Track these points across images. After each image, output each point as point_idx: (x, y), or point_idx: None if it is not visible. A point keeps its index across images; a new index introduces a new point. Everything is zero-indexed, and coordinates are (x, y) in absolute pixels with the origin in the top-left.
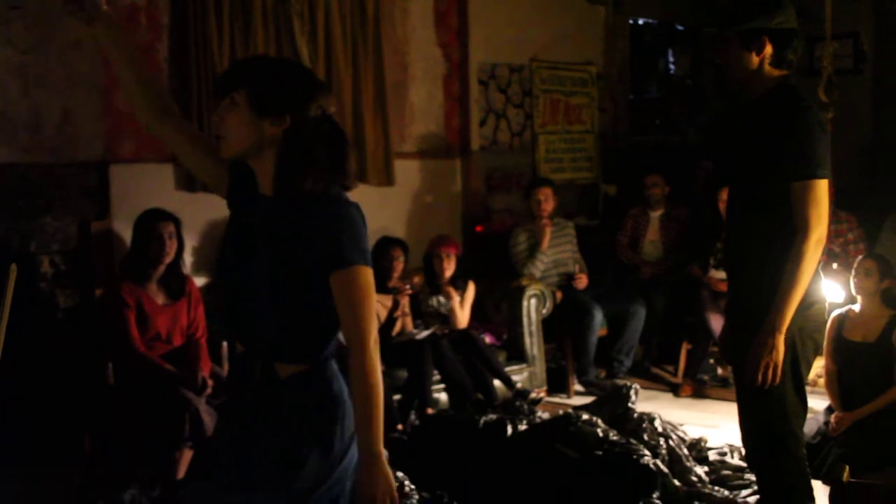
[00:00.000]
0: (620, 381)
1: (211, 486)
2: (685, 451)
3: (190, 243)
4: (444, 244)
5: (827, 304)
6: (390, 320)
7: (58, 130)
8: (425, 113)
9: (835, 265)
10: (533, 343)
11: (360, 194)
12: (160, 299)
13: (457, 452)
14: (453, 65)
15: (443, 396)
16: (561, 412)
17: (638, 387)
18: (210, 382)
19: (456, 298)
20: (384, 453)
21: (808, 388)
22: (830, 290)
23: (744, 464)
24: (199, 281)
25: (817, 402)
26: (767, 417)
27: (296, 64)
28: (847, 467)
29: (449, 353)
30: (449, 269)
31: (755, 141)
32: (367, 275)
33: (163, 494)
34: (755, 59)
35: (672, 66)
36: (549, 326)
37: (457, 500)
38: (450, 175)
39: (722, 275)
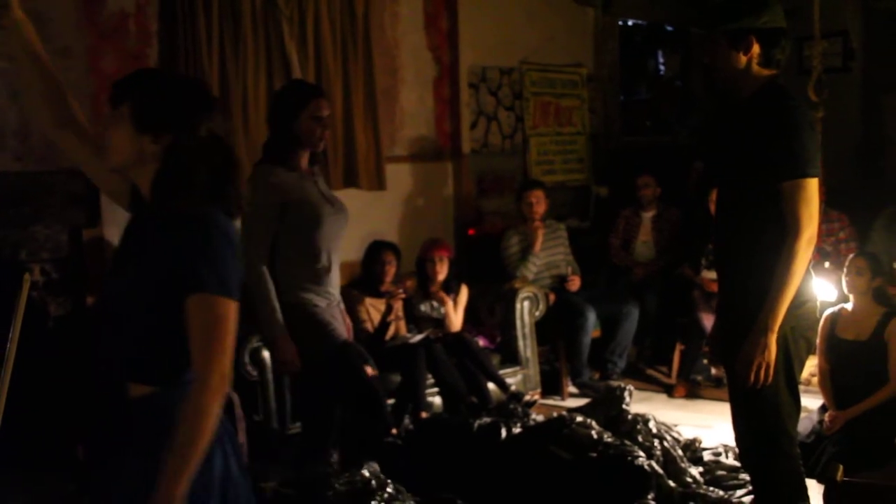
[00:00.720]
0: (614, 383)
1: None
2: (679, 451)
3: None
4: (436, 248)
5: (819, 303)
6: (384, 325)
7: (47, 138)
8: (416, 116)
9: (826, 264)
10: (526, 345)
11: (351, 198)
12: None
13: (451, 456)
14: (444, 68)
15: (437, 400)
16: (555, 414)
17: (632, 388)
18: None
19: (449, 302)
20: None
21: (801, 387)
22: (822, 288)
23: (738, 464)
24: None
25: (811, 401)
26: (760, 417)
27: (189, 82)
28: (841, 466)
29: (443, 356)
30: (442, 272)
31: (744, 141)
32: (223, 306)
33: None
34: (743, 59)
35: (662, 68)
36: (542, 329)
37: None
38: (441, 178)
39: (714, 275)
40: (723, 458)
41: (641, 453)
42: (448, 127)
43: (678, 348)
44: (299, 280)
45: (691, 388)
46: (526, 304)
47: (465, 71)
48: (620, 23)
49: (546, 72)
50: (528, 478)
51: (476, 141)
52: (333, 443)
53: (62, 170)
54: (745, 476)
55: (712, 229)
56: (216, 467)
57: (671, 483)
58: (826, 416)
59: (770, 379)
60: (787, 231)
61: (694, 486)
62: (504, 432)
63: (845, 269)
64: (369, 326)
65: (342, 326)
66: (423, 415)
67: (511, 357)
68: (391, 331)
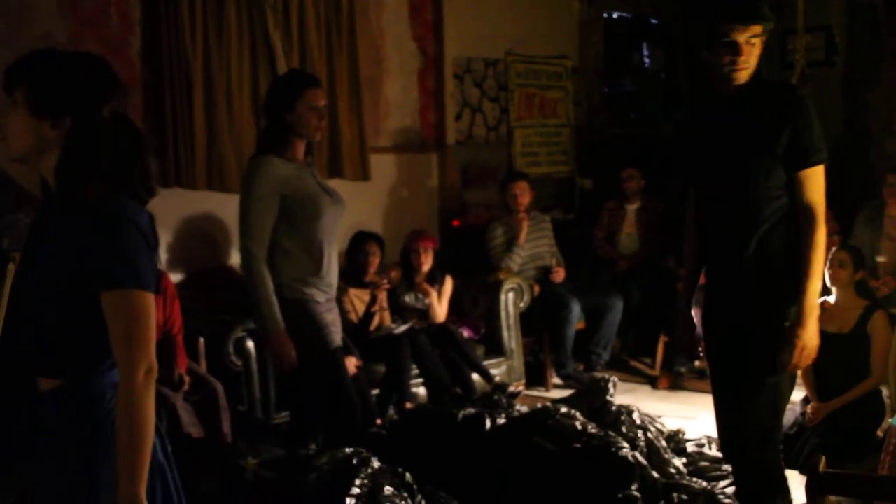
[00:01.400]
0: (598, 374)
1: None
2: (663, 443)
3: (164, 239)
4: (420, 239)
5: None
6: (368, 315)
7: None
8: (400, 107)
9: None
10: (511, 337)
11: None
12: None
13: (436, 447)
14: (428, 59)
15: (421, 391)
16: (539, 405)
17: (616, 379)
18: (187, 379)
19: (433, 293)
20: (144, 501)
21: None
22: None
23: (721, 455)
24: (175, 277)
25: (794, 393)
26: (762, 409)
27: (87, 59)
28: (823, 457)
29: (427, 347)
30: (426, 263)
31: (761, 131)
32: (140, 299)
33: None
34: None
35: (646, 60)
36: (526, 320)
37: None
38: (425, 169)
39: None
40: (706, 450)
41: (625, 444)
42: (432, 118)
43: (662, 340)
44: (300, 273)
45: (675, 380)
46: (510, 295)
47: (450, 62)
48: (605, 15)
49: (531, 64)
50: (512, 469)
51: (461, 132)
52: (316, 433)
53: None
54: (728, 467)
55: (701, 223)
56: (156, 454)
57: (655, 474)
58: (808, 408)
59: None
60: (805, 219)
61: (677, 476)
62: (488, 423)
63: (828, 263)
64: (353, 317)
65: (338, 330)
66: (408, 405)
67: (495, 348)
68: (375, 322)
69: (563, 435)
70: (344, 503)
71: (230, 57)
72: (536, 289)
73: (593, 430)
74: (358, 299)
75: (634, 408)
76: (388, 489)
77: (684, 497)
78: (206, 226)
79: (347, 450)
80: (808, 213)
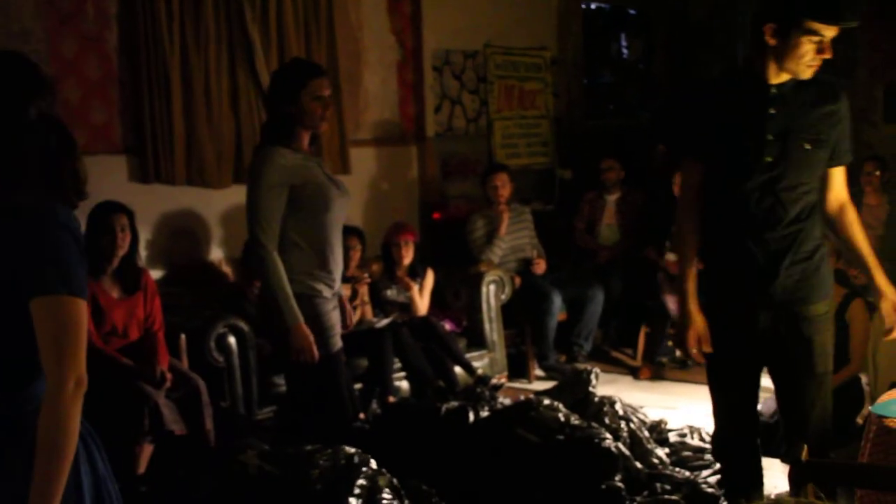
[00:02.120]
0: (580, 366)
1: None
2: (646, 433)
3: (144, 236)
4: (401, 232)
5: None
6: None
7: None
8: (380, 100)
9: None
10: (493, 329)
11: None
12: (115, 293)
13: (419, 440)
14: (407, 51)
15: (404, 384)
16: (522, 397)
17: (598, 371)
18: (169, 376)
19: (415, 286)
20: None
21: (764, 368)
22: None
23: (704, 444)
24: (156, 274)
25: None
26: (828, 397)
27: (10, 58)
28: (806, 446)
29: (409, 340)
30: (407, 256)
31: (812, 126)
32: (71, 306)
33: (123, 490)
34: None
35: (625, 51)
36: (508, 312)
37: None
38: (405, 162)
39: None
40: (688, 439)
41: (608, 435)
42: (412, 111)
43: (643, 331)
44: (307, 266)
45: (656, 370)
46: (492, 287)
47: (429, 54)
48: (584, 6)
49: (510, 55)
50: (495, 461)
51: (440, 125)
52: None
53: None
54: (709, 457)
55: (717, 211)
56: (82, 470)
57: (638, 464)
58: None
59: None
60: (847, 210)
61: (660, 466)
62: (471, 416)
63: None
64: None
65: (339, 329)
66: (391, 399)
67: (477, 341)
68: (357, 315)
69: (545, 427)
70: (347, 502)
71: (208, 52)
72: (517, 281)
73: (576, 422)
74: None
75: (617, 398)
76: (386, 493)
77: (667, 487)
78: (186, 222)
79: (349, 449)
80: (846, 204)
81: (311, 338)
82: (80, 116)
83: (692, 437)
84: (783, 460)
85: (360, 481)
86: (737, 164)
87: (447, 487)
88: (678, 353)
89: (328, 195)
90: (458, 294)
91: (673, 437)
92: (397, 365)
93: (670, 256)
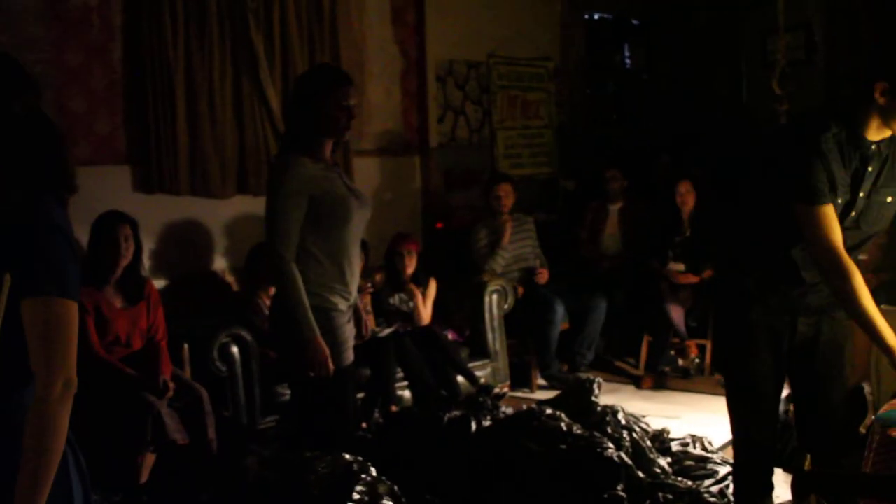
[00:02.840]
0: (583, 375)
1: None
2: (648, 442)
3: (148, 246)
4: (404, 242)
5: None
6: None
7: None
8: (383, 110)
9: None
10: (495, 338)
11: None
12: (118, 302)
13: (421, 450)
14: (411, 62)
15: (406, 394)
16: (524, 407)
17: (600, 380)
18: (172, 385)
19: (418, 296)
20: None
21: None
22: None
23: (706, 454)
24: (159, 284)
25: None
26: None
27: None
28: (808, 455)
29: (412, 350)
30: (410, 266)
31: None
32: (62, 307)
33: (125, 500)
34: None
35: (628, 61)
36: (510, 322)
37: (426, 496)
38: (409, 172)
39: (681, 267)
40: (691, 449)
41: (610, 445)
42: (415, 121)
43: (646, 340)
44: (324, 279)
45: (659, 380)
46: (494, 297)
47: (433, 65)
48: (586, 17)
49: (513, 65)
50: (498, 471)
51: (443, 135)
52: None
53: None
54: (713, 466)
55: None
56: (72, 473)
57: (640, 474)
58: (792, 406)
59: None
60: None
61: (662, 476)
62: (474, 426)
63: None
64: None
65: (351, 345)
66: (393, 408)
67: (480, 350)
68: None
69: (548, 436)
70: None
71: (212, 62)
72: (520, 290)
73: (578, 431)
74: None
75: (619, 408)
76: (386, 500)
77: (670, 496)
78: (189, 232)
79: (347, 456)
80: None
81: (328, 352)
82: (85, 126)
83: (695, 447)
84: (786, 470)
85: (359, 488)
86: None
87: (449, 497)
88: (680, 362)
89: (348, 207)
90: (460, 304)
91: (675, 447)
92: (400, 374)
93: (673, 266)
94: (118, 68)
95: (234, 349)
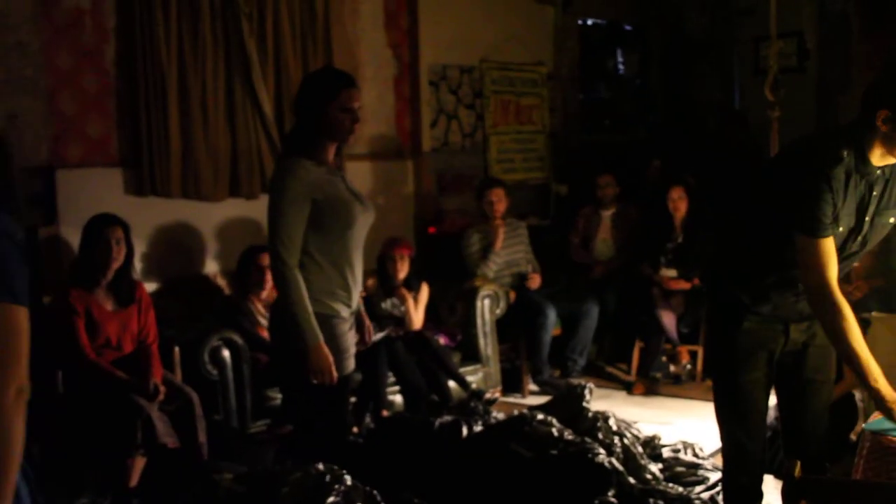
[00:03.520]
0: (574, 381)
1: None
2: (639, 448)
3: (140, 248)
4: (396, 246)
5: None
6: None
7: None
8: (376, 114)
9: None
10: (487, 343)
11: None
12: (109, 305)
13: (412, 455)
14: (404, 66)
15: (398, 398)
16: (516, 412)
17: (592, 385)
18: (162, 389)
19: (410, 300)
20: None
21: None
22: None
23: (697, 460)
24: (150, 287)
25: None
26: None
27: None
28: (798, 462)
29: (403, 354)
30: (402, 270)
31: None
32: (13, 313)
33: (114, 503)
34: None
35: (621, 67)
36: (503, 327)
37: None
38: (401, 176)
39: (673, 273)
40: (682, 455)
41: (602, 450)
42: (408, 125)
43: (637, 346)
44: (327, 286)
45: (650, 386)
46: (486, 302)
47: (426, 69)
48: (580, 22)
49: (506, 70)
50: (489, 476)
51: (436, 139)
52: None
53: (18, 168)
54: (703, 472)
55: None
56: (22, 491)
57: (631, 480)
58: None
59: None
60: None
61: (654, 482)
62: (465, 431)
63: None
64: None
65: (352, 353)
66: (385, 413)
67: (472, 355)
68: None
69: (539, 442)
70: None
71: (205, 65)
72: (512, 295)
73: (569, 437)
74: None
75: (610, 414)
76: None
77: (660, 502)
78: (181, 235)
79: (320, 466)
80: None
81: (332, 359)
82: (77, 129)
83: (686, 453)
84: (776, 476)
85: (331, 499)
86: (836, 241)
87: (440, 502)
88: (672, 368)
89: (351, 211)
90: (452, 308)
91: (666, 453)
92: (391, 379)
93: (665, 272)
94: (111, 71)
95: (226, 353)
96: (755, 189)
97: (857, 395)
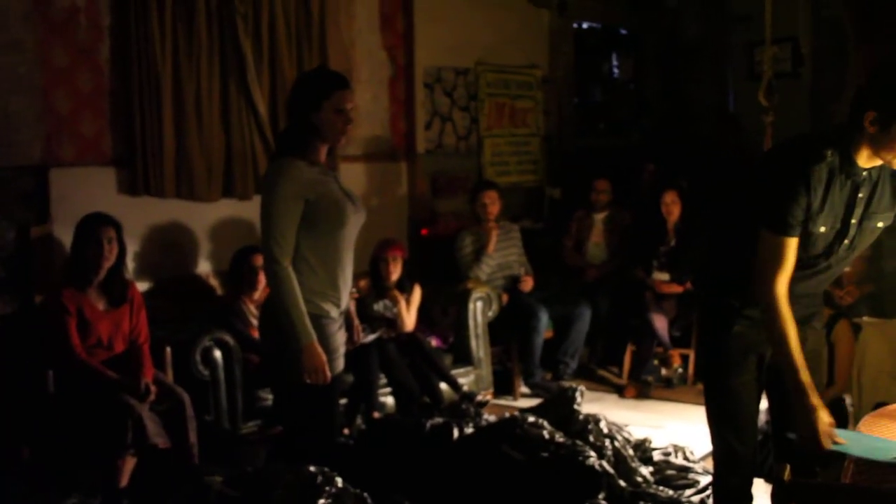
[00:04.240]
0: (566, 383)
1: None
2: (630, 451)
3: (132, 248)
4: (389, 247)
5: None
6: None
7: None
8: (371, 116)
9: None
10: (479, 346)
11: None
12: (101, 305)
13: (403, 456)
14: (399, 68)
15: (389, 400)
16: (507, 414)
17: (583, 388)
18: (153, 389)
19: (402, 302)
20: None
21: None
22: None
23: (688, 463)
24: (142, 286)
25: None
26: None
27: None
28: (788, 466)
29: (395, 356)
30: (395, 272)
31: (885, 211)
32: None
33: (105, 503)
34: None
35: (616, 71)
36: (495, 329)
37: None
38: (395, 178)
39: (665, 276)
40: (672, 458)
41: (592, 453)
42: (403, 127)
43: (629, 349)
44: (317, 286)
45: (642, 389)
46: (479, 304)
47: (421, 71)
48: (575, 26)
49: (501, 73)
50: (480, 478)
51: (430, 141)
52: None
53: (11, 167)
54: (694, 476)
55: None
56: None
57: (622, 483)
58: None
59: None
60: None
61: (644, 485)
62: (456, 432)
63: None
64: None
65: (342, 353)
66: (376, 415)
67: (463, 357)
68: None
69: (530, 444)
70: None
71: (200, 65)
72: (505, 298)
73: (560, 440)
74: None
75: (602, 417)
76: None
77: None
78: (173, 235)
79: (311, 467)
80: None
81: (325, 358)
82: (71, 127)
83: (676, 456)
84: (766, 480)
85: (322, 501)
86: (820, 243)
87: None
88: (663, 371)
89: (344, 211)
90: (445, 310)
91: (657, 456)
92: (383, 381)
93: (658, 275)
94: (105, 70)
95: (217, 353)
96: (747, 193)
97: (848, 399)
